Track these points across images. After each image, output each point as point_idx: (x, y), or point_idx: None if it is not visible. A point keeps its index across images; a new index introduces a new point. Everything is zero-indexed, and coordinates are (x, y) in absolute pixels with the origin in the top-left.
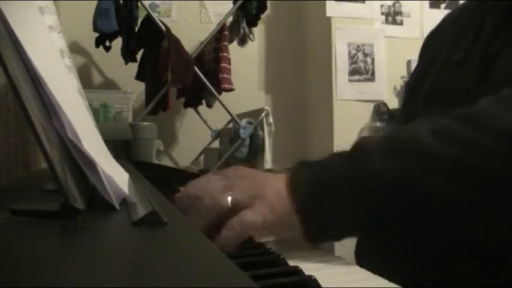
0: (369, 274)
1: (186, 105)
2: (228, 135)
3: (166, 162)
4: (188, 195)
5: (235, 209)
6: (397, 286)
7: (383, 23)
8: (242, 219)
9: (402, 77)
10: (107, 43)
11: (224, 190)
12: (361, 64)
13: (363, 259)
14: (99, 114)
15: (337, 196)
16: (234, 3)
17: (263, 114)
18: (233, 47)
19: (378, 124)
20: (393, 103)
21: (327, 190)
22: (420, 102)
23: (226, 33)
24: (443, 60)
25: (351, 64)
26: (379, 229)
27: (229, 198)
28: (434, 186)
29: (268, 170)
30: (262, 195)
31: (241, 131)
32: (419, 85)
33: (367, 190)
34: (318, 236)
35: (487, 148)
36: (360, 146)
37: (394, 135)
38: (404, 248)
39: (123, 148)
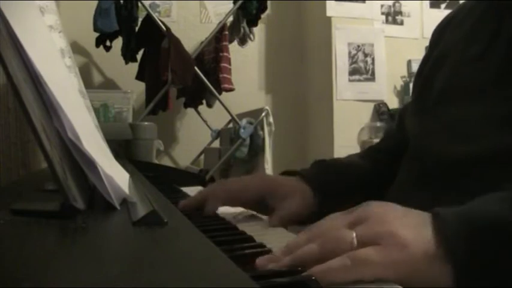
0: None
1: (186, 105)
2: (228, 135)
3: (166, 162)
4: (319, 228)
5: (359, 247)
6: (397, 286)
7: (383, 23)
8: (362, 255)
9: (402, 77)
10: (107, 43)
11: (350, 226)
12: (361, 64)
13: None
14: (99, 114)
15: (502, 245)
16: (234, 3)
17: (263, 114)
18: (233, 47)
19: (378, 124)
20: (393, 103)
21: (491, 237)
22: (432, 99)
23: (226, 33)
24: (459, 56)
25: (351, 64)
26: None
27: (354, 234)
28: None
29: (286, 173)
30: (393, 233)
31: (241, 130)
32: (431, 81)
33: None
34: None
35: None
36: None
37: None
38: None
39: (123, 148)
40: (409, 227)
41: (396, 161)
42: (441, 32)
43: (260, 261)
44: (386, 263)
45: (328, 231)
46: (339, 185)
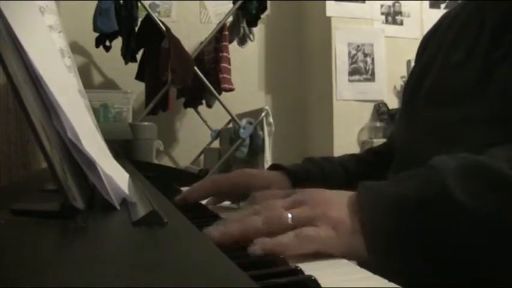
0: (369, 274)
1: (186, 105)
2: (228, 135)
3: (166, 162)
4: (259, 201)
5: (296, 226)
6: (397, 286)
7: (383, 23)
8: (302, 232)
9: (402, 77)
10: (107, 43)
11: (286, 207)
12: (361, 64)
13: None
14: (99, 114)
15: (410, 221)
16: (234, 3)
17: (263, 114)
18: (233, 47)
19: (378, 124)
20: (393, 103)
21: (399, 212)
22: (420, 102)
23: (226, 33)
24: (444, 60)
25: (350, 64)
26: (449, 258)
27: (290, 215)
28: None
29: (273, 167)
30: (326, 215)
31: (241, 131)
32: (419, 85)
33: (446, 219)
34: (383, 259)
35: None
36: (433, 169)
37: (470, 163)
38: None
39: (123, 148)
40: (337, 208)
41: (389, 164)
42: (428, 41)
43: (209, 231)
44: (324, 240)
45: (270, 209)
46: (314, 176)
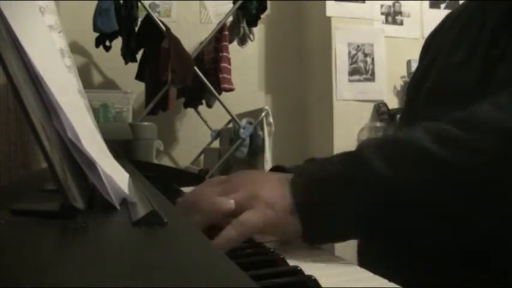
0: (369, 274)
1: (186, 105)
2: (228, 135)
3: (166, 162)
4: (191, 197)
5: (238, 210)
6: (397, 286)
7: (383, 23)
8: (244, 220)
9: (402, 77)
10: (107, 43)
11: (227, 193)
12: (361, 64)
13: (365, 259)
14: (99, 114)
15: (336, 196)
16: (234, 3)
17: (263, 114)
18: (233, 47)
19: (378, 124)
20: (393, 103)
21: (325, 189)
22: (422, 102)
23: (226, 33)
24: (445, 60)
25: (350, 64)
26: (375, 229)
27: (232, 201)
28: (428, 187)
29: (275, 169)
30: (261, 196)
31: (241, 131)
32: (420, 86)
33: (367, 191)
34: (316, 237)
35: (477, 148)
36: (359, 148)
37: (392, 138)
38: (400, 248)
39: (123, 148)
40: (273, 189)
41: None
42: (430, 41)
43: None
44: (262, 221)
45: (208, 200)
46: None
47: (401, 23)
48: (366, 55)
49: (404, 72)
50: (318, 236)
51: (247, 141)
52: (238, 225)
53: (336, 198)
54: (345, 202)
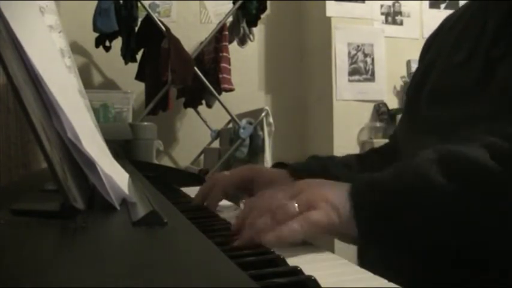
0: (369, 274)
1: (186, 105)
2: (228, 135)
3: (166, 162)
4: (254, 205)
5: (303, 209)
6: (397, 286)
7: (383, 23)
8: (309, 217)
9: (402, 77)
10: (107, 43)
11: (290, 198)
12: (361, 64)
13: (365, 259)
14: (99, 114)
15: (400, 212)
16: (234, 3)
17: (263, 114)
18: (233, 47)
19: (378, 124)
20: (393, 103)
21: (391, 205)
22: (423, 103)
23: (226, 33)
24: (446, 61)
25: (350, 64)
26: (423, 246)
27: (296, 204)
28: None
29: (277, 165)
30: (327, 199)
31: (241, 131)
32: (421, 86)
33: (432, 211)
34: (371, 246)
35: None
36: (419, 163)
37: (447, 152)
38: (415, 254)
39: (123, 148)
40: (335, 194)
41: (389, 162)
42: (431, 42)
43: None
44: (325, 221)
45: (273, 204)
46: (317, 174)
47: (401, 23)
48: (365, 55)
49: (404, 73)
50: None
51: (247, 142)
52: (302, 219)
53: (399, 214)
54: (407, 220)
